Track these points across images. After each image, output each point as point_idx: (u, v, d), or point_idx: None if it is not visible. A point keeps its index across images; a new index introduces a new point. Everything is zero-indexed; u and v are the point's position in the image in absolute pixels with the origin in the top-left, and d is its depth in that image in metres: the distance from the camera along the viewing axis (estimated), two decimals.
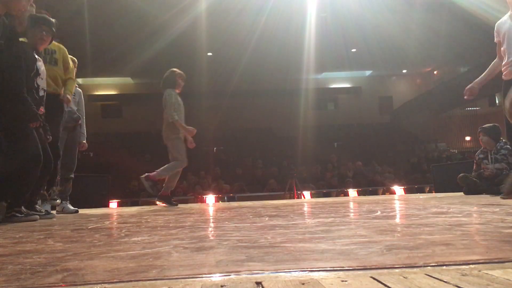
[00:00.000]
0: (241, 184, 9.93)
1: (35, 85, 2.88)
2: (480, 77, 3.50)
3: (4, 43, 2.65)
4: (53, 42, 3.50)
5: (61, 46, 3.65)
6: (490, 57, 3.55)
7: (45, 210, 3.18)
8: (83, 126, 4.06)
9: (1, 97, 2.65)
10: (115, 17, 9.66)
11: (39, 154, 2.73)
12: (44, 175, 3.00)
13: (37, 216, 2.76)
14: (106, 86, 16.02)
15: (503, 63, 3.25)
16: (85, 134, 4.14)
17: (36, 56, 2.96)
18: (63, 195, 3.74)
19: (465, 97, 3.50)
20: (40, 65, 2.98)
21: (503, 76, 3.29)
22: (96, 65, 11.46)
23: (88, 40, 9.15)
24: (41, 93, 2.96)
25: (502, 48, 3.28)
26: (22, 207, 2.74)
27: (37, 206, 3.12)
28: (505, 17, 3.29)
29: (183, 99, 4.44)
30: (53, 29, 3.08)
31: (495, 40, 3.38)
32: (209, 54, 12.33)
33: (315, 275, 0.72)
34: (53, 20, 3.11)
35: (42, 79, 2.97)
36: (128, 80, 15.78)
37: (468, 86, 3.50)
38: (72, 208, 3.71)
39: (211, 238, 1.38)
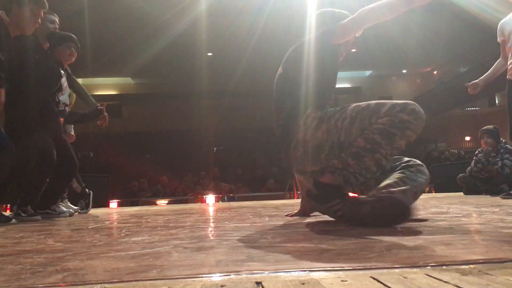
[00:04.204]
0: (239, 185, 9.94)
1: (56, 99, 3.00)
2: (484, 75, 3.49)
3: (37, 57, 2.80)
4: None
5: None
6: (490, 57, 3.56)
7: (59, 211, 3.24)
8: None
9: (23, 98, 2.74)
10: (115, 17, 9.65)
11: (50, 155, 2.78)
12: (63, 179, 3.11)
13: (39, 217, 2.78)
14: (106, 86, 16.02)
15: (508, 62, 3.23)
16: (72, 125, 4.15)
17: (62, 71, 3.08)
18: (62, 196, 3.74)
19: (468, 90, 3.50)
20: (64, 81, 3.09)
21: (508, 76, 3.27)
22: (96, 65, 11.45)
23: (88, 40, 9.14)
24: (62, 107, 3.07)
25: (507, 47, 3.26)
26: (29, 207, 2.76)
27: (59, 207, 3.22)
28: (509, 17, 3.27)
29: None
30: (78, 44, 3.20)
31: (499, 39, 3.35)
32: (209, 54, 12.32)
33: (315, 275, 0.72)
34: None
35: (63, 94, 3.07)
36: (128, 80, 15.77)
37: (472, 82, 3.50)
38: (74, 207, 3.71)
39: (211, 238, 1.38)
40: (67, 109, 3.16)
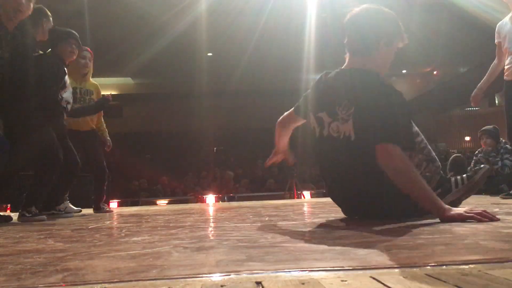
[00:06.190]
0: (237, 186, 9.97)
1: (59, 97, 2.97)
2: (481, 81, 3.50)
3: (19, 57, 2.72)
4: (91, 81, 3.78)
5: (96, 84, 3.88)
6: (490, 57, 3.56)
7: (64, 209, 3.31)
8: None
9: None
10: (115, 17, 9.65)
11: (57, 157, 2.78)
12: (66, 179, 3.14)
13: (45, 217, 2.78)
14: (106, 86, 15.99)
15: (506, 63, 3.25)
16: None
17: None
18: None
19: (472, 104, 3.52)
20: (67, 78, 3.07)
21: (505, 77, 3.29)
22: (96, 65, 11.43)
23: (88, 40, 9.14)
24: (64, 105, 3.04)
25: (503, 49, 3.29)
26: (33, 207, 2.75)
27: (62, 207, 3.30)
28: (506, 19, 3.29)
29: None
30: (79, 41, 3.19)
31: (496, 41, 3.37)
32: (209, 54, 12.31)
33: (315, 275, 0.72)
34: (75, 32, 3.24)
35: (66, 92, 3.04)
36: (128, 80, 15.76)
37: (473, 94, 3.49)
38: (74, 208, 3.71)
39: (211, 238, 1.38)
40: (69, 106, 3.13)
